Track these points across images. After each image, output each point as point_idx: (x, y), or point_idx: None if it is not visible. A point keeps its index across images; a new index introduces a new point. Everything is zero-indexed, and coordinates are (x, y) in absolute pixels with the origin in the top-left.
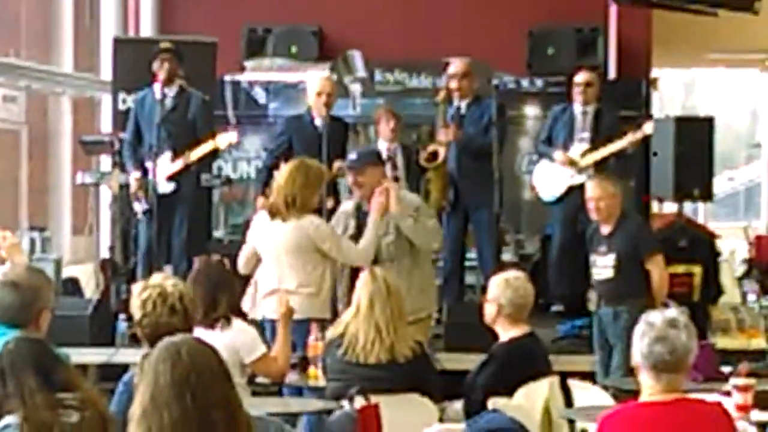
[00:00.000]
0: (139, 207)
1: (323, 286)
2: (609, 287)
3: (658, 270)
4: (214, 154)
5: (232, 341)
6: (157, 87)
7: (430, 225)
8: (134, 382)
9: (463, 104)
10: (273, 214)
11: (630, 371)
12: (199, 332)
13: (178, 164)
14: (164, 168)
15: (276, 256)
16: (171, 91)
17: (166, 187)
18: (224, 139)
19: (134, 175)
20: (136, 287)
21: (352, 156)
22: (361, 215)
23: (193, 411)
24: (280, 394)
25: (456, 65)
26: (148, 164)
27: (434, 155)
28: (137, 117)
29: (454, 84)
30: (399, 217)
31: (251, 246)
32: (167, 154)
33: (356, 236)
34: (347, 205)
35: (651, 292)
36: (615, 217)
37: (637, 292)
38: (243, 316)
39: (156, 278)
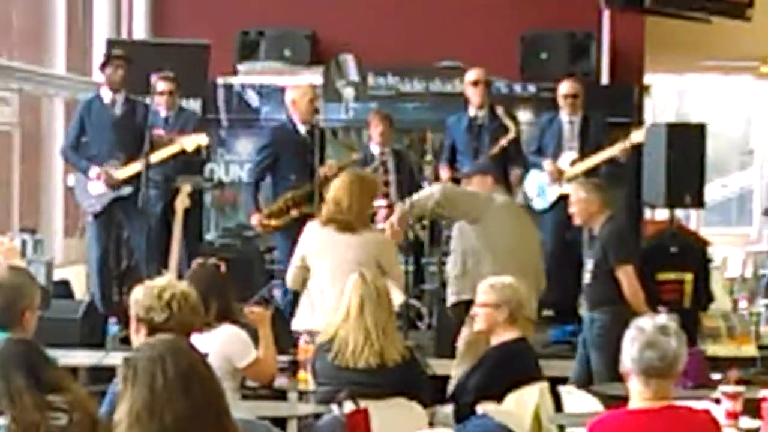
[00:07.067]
0: (98, 204)
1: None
2: (587, 292)
3: (625, 280)
4: (204, 160)
5: (222, 349)
6: (105, 92)
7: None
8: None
9: (481, 113)
10: (341, 227)
11: (610, 376)
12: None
13: (134, 167)
14: (119, 171)
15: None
16: (120, 97)
17: (123, 191)
18: (191, 141)
19: (95, 170)
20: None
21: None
22: None
23: (203, 403)
24: (285, 399)
25: (475, 72)
26: (102, 167)
27: None
28: (83, 122)
29: (473, 91)
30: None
31: (302, 261)
32: (120, 158)
33: None
34: None
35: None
36: (598, 221)
37: (610, 299)
38: (234, 321)
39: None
